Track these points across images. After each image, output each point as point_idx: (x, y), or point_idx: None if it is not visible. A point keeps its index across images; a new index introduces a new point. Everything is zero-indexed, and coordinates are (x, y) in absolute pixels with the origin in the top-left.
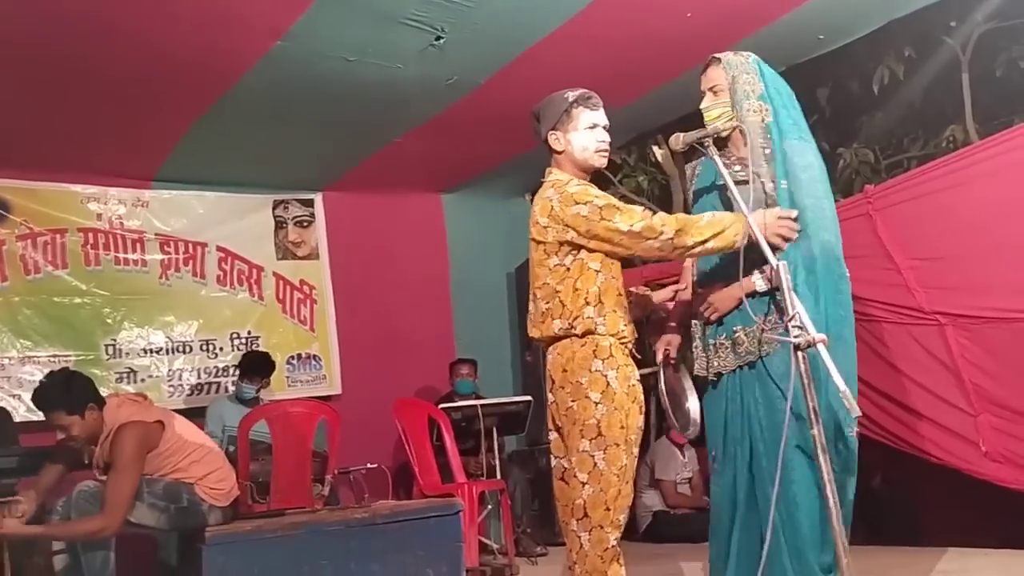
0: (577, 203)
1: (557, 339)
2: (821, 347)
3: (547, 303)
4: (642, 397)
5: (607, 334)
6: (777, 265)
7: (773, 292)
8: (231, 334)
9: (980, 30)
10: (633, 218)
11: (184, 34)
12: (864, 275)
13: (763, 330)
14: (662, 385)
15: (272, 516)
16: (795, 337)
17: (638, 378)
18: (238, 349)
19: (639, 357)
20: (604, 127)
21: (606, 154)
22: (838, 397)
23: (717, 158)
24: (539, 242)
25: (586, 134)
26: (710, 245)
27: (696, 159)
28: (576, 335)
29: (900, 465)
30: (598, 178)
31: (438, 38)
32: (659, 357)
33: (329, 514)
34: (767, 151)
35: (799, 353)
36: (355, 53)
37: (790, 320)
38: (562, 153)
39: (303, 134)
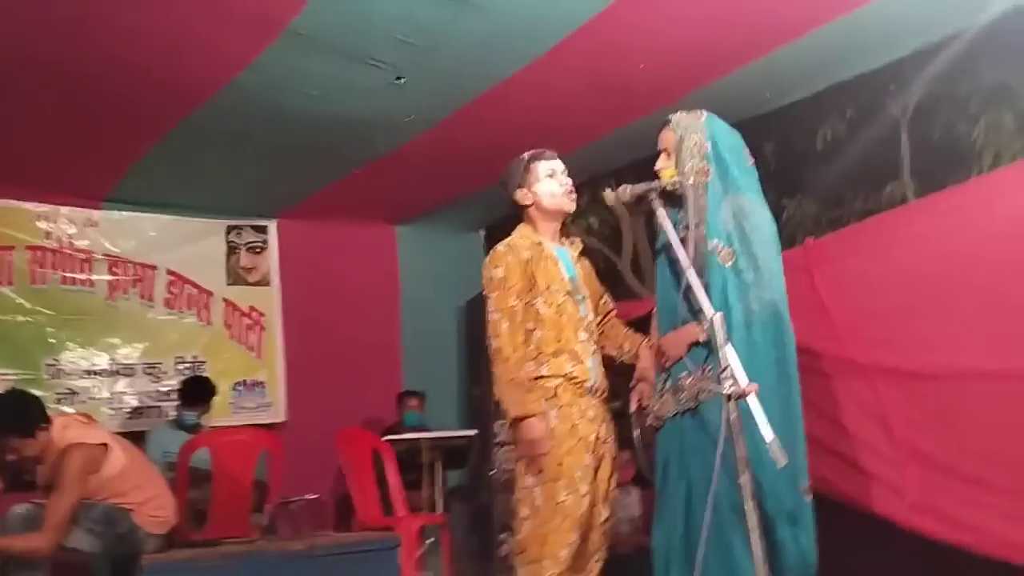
0: (484, 270)
1: None
2: (752, 398)
3: None
4: (592, 436)
5: (552, 376)
6: (712, 317)
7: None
8: (176, 358)
9: (919, 95)
10: (493, 310)
11: (149, 56)
12: (801, 327)
13: (698, 379)
14: (636, 434)
15: (209, 545)
16: (727, 387)
17: (592, 417)
18: (183, 374)
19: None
20: (563, 172)
21: (574, 196)
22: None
23: (661, 210)
24: None
25: (548, 182)
26: (501, 389)
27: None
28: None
29: (828, 512)
30: None
31: (398, 78)
32: (632, 408)
33: (266, 544)
34: (703, 212)
35: (730, 403)
36: (317, 88)
37: (722, 371)
38: (531, 206)
39: (260, 162)
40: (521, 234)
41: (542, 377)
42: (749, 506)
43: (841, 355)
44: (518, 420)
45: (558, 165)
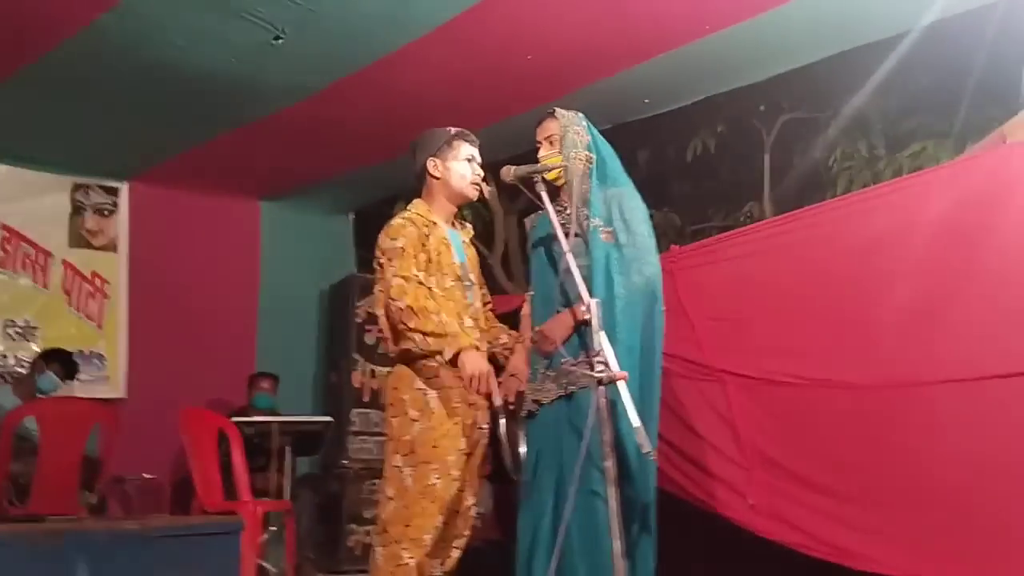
0: (381, 241)
1: (394, 361)
2: (621, 384)
3: (381, 329)
4: (469, 421)
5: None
6: (589, 301)
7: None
8: (5, 322)
9: (784, 118)
10: (394, 275)
11: None
12: (666, 330)
13: (574, 364)
14: (501, 430)
15: (29, 521)
16: (598, 372)
17: (472, 402)
18: (12, 339)
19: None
20: (479, 163)
21: (478, 189)
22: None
23: (545, 195)
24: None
25: (464, 164)
26: (430, 341)
27: (532, 211)
28: (405, 360)
29: (677, 510)
30: None
31: (277, 38)
32: (498, 402)
33: (94, 523)
34: (587, 195)
35: (600, 388)
36: (186, 39)
37: (595, 356)
38: (438, 180)
39: (116, 116)
40: (417, 210)
41: (426, 358)
42: (611, 491)
43: (697, 359)
44: (458, 356)
45: (477, 154)
